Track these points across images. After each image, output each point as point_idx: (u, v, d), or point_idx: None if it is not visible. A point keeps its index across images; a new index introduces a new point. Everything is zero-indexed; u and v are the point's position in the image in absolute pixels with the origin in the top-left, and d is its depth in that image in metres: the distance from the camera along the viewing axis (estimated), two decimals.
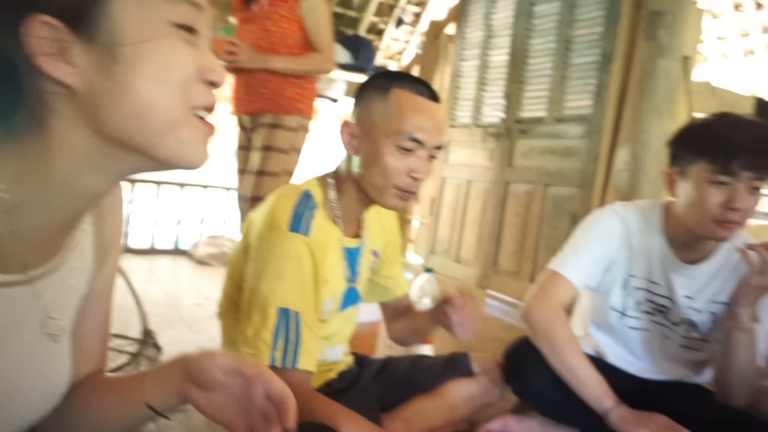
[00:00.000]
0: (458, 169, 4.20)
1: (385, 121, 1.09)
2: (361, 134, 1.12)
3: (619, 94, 2.96)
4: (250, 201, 2.16)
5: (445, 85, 4.46)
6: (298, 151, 2.22)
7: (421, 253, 4.39)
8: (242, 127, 2.29)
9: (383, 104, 1.10)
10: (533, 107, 3.57)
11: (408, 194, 1.11)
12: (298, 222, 1.05)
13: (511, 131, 3.69)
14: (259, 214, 1.12)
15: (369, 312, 1.81)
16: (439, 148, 1.13)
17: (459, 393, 1.43)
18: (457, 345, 1.59)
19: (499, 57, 3.88)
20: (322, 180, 1.18)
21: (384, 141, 1.09)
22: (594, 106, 3.13)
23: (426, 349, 1.90)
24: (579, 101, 3.26)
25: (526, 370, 1.43)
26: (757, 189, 1.25)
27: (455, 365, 1.48)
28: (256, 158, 2.14)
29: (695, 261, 1.42)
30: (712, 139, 1.27)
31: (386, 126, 1.09)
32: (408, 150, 1.09)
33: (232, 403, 0.65)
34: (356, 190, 1.15)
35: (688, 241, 1.39)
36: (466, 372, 1.47)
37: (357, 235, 1.22)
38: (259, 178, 2.13)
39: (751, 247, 1.25)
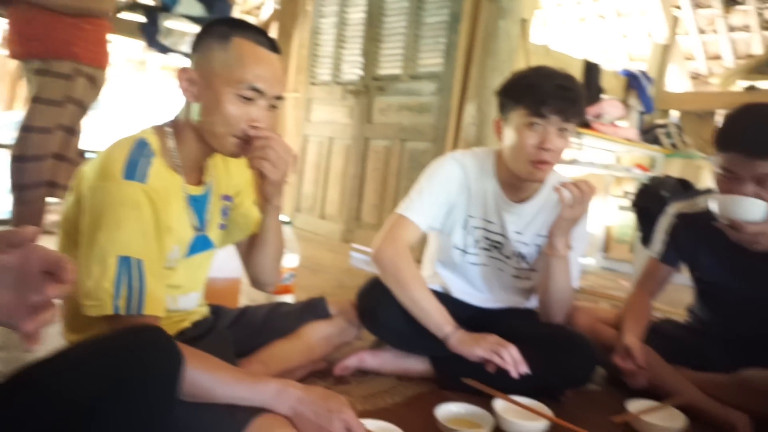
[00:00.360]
0: (320, 127, 4.23)
1: (225, 70, 1.09)
2: (200, 81, 1.11)
3: (467, 52, 3.14)
4: (14, 162, 1.86)
5: (305, 42, 4.42)
6: (78, 103, 1.91)
7: (287, 212, 4.39)
8: (25, 75, 1.97)
9: (224, 53, 1.09)
10: (390, 65, 3.68)
11: (247, 142, 1.11)
12: (133, 169, 1.02)
13: (369, 88, 3.77)
14: (90, 165, 1.07)
15: (231, 268, 1.81)
16: (279, 98, 1.14)
17: (316, 334, 1.50)
18: (319, 293, 1.65)
19: (357, 14, 3.91)
20: (158, 129, 1.14)
21: (224, 89, 1.08)
22: (444, 64, 3.30)
23: (287, 299, 1.95)
24: (431, 59, 3.41)
25: (378, 307, 1.53)
26: (564, 131, 1.44)
27: (312, 309, 1.54)
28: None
29: (522, 200, 1.60)
30: (527, 87, 1.44)
31: (227, 74, 1.08)
32: (248, 99, 1.09)
33: (5, 294, 0.61)
34: (196, 137, 1.14)
35: (515, 182, 1.56)
36: (323, 314, 1.54)
37: (201, 183, 1.21)
38: (24, 135, 1.84)
39: (563, 184, 1.44)
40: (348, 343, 1.61)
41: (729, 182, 1.44)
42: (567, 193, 1.42)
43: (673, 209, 1.76)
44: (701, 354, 1.65)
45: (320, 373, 1.56)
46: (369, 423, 1.16)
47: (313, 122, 4.31)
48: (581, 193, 1.42)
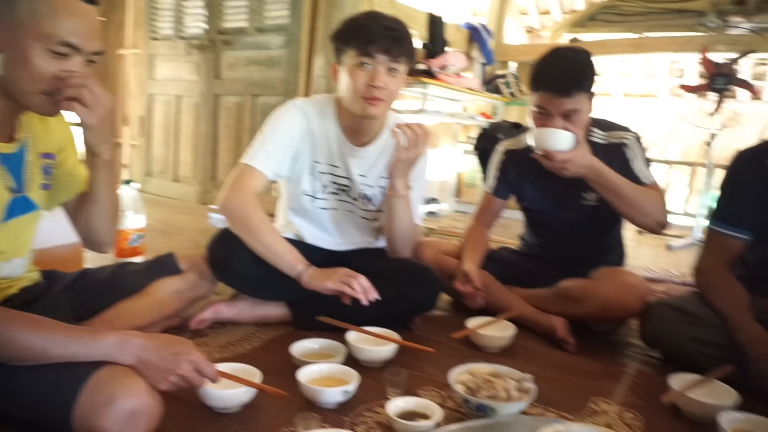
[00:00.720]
0: (165, 85, 3.99)
1: (33, 22, 0.97)
2: (2, 30, 1.00)
3: (312, 4, 3.12)
4: None
5: None
6: None
7: (137, 177, 4.13)
8: None
9: (30, 2, 0.98)
10: (235, 17, 3.55)
11: (59, 100, 1.03)
12: None
13: (215, 43, 3.61)
14: None
15: (70, 233, 1.70)
16: (97, 53, 1.07)
17: (166, 289, 1.47)
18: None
19: None
20: None
21: (32, 43, 0.98)
22: (291, 16, 3.25)
23: (136, 260, 1.88)
24: (277, 11, 3.34)
25: (228, 257, 1.53)
26: (394, 70, 1.51)
27: (161, 265, 1.51)
28: None
29: (364, 144, 1.66)
30: (355, 29, 1.49)
31: (35, 27, 0.97)
32: (61, 55, 1.01)
33: None
34: (1, 91, 1.04)
35: (355, 126, 1.62)
36: (173, 270, 1.51)
37: (13, 140, 1.11)
38: None
39: (399, 126, 1.52)
40: (203, 297, 1.60)
41: (542, 118, 1.63)
42: (402, 135, 1.50)
43: (501, 147, 1.94)
44: (530, 273, 1.87)
45: (175, 329, 1.55)
46: (224, 366, 1.18)
47: (157, 80, 4.05)
48: (415, 135, 1.50)
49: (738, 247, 1.53)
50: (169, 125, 3.98)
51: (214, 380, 1.03)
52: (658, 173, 4.84)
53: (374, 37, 1.45)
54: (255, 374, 1.18)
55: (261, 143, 1.58)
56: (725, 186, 1.57)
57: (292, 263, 1.50)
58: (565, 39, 5.15)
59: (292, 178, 1.67)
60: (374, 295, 1.45)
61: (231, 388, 1.12)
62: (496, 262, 1.91)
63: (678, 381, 1.29)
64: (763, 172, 1.47)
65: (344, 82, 1.53)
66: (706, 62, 3.46)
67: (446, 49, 4.03)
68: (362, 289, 1.45)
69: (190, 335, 1.54)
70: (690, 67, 5.53)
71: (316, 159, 1.65)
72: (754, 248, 1.54)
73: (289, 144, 1.60)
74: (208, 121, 3.69)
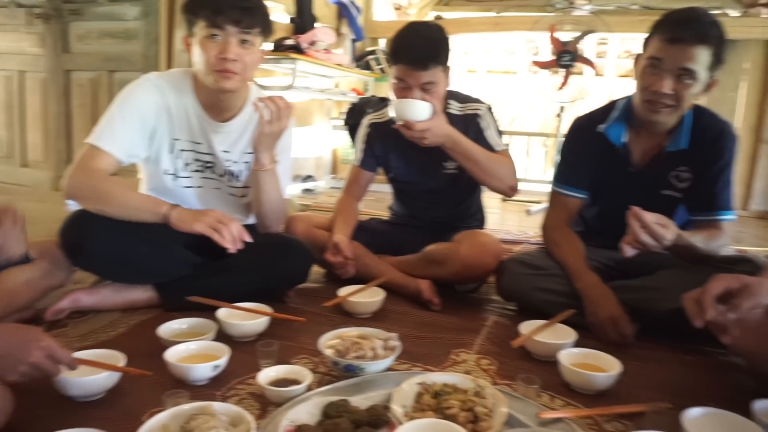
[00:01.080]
0: (5, 59, 3.60)
1: None
2: None
3: None
4: None
5: None
6: None
7: None
8: None
9: None
10: None
11: None
12: None
13: (61, 12, 3.31)
14: None
15: None
16: None
17: (14, 279, 1.37)
18: None
19: None
20: None
21: None
22: None
23: None
24: None
25: (85, 239, 1.43)
26: (246, 41, 1.47)
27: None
28: None
29: (227, 119, 1.63)
30: (204, 1, 1.44)
31: None
32: None
33: None
34: None
35: (214, 101, 1.57)
36: (20, 260, 1.40)
37: None
38: None
39: (261, 99, 1.50)
40: (58, 286, 1.50)
41: (401, 90, 1.70)
42: (265, 109, 1.49)
43: (366, 120, 1.99)
44: (398, 241, 1.96)
45: (28, 321, 1.44)
46: (85, 353, 1.13)
47: None
48: (278, 108, 1.50)
49: (576, 206, 1.72)
50: (11, 104, 3.60)
51: (71, 367, 0.99)
52: (518, 144, 5.20)
53: (223, 7, 1.41)
54: (118, 358, 1.14)
55: (108, 121, 1.48)
56: (564, 151, 1.75)
57: (155, 208, 1.43)
58: (430, 16, 5.31)
59: (150, 158, 1.60)
60: (246, 238, 1.42)
61: (92, 374, 1.07)
62: (367, 232, 1.98)
63: (527, 327, 1.43)
64: (594, 137, 1.66)
65: (197, 55, 1.48)
66: (554, 41, 3.77)
67: (315, 24, 4.01)
68: (231, 237, 1.41)
69: (46, 327, 1.44)
70: (543, 45, 5.96)
71: (175, 136, 1.59)
72: (589, 206, 1.74)
73: (140, 122, 1.52)
74: (58, 99, 3.38)
